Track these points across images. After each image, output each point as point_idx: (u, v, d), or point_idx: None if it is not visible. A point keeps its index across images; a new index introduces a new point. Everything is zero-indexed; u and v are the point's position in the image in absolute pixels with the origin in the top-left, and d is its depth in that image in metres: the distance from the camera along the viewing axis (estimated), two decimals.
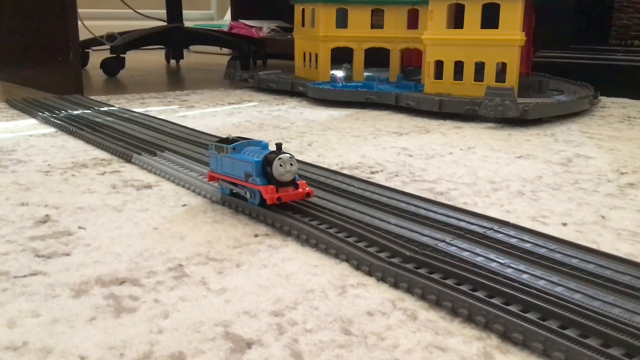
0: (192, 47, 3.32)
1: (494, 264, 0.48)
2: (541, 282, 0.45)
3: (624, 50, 1.70)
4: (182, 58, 2.75)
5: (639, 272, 0.47)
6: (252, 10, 2.98)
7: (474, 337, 0.41)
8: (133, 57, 2.74)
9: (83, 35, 1.71)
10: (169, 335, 0.40)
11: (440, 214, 0.60)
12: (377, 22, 1.56)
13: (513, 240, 0.53)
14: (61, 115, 1.21)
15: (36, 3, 1.62)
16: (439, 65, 1.34)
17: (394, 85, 1.52)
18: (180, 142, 0.94)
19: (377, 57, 1.62)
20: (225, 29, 2.86)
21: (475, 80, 1.29)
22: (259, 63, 2.56)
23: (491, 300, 0.42)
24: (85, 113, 1.23)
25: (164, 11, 2.44)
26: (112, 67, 2.10)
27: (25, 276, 0.49)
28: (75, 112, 1.24)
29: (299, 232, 0.57)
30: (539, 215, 0.65)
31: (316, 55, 1.61)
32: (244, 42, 2.40)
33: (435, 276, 0.46)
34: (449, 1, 1.29)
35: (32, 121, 1.21)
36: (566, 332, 0.38)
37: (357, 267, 0.51)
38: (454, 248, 0.51)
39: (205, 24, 3.41)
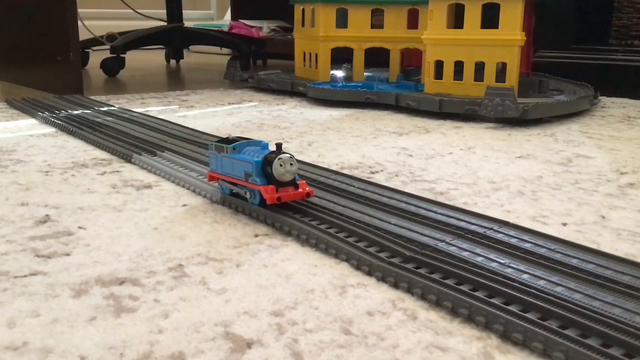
0: (192, 47, 3.32)
1: (494, 264, 0.48)
2: (541, 282, 0.45)
3: (624, 50, 1.70)
4: (182, 58, 2.75)
5: (639, 272, 0.47)
6: (252, 10, 2.98)
7: (474, 337, 0.41)
8: (133, 57, 2.74)
9: (83, 35, 1.71)
10: (169, 335, 0.40)
11: (440, 214, 0.60)
12: (377, 22, 1.56)
13: (513, 240, 0.53)
14: (61, 115, 1.21)
15: (36, 3, 1.62)
16: (439, 65, 1.34)
17: (394, 85, 1.52)
18: (180, 142, 0.94)
19: (377, 57, 1.62)
20: (225, 29, 2.86)
21: (475, 80, 1.29)
22: (259, 63, 2.56)
23: (491, 300, 0.42)
24: (85, 113, 1.23)
25: (164, 11, 2.44)
26: (112, 67, 2.10)
27: (25, 276, 0.49)
28: (75, 112, 1.24)
29: (299, 232, 0.57)
30: (539, 215, 0.65)
31: (316, 55, 1.61)
32: (244, 42, 2.40)
33: (435, 276, 0.46)
34: (449, 1, 1.29)
35: (32, 121, 1.21)
36: (566, 332, 0.38)
37: (357, 267, 0.51)
38: (454, 248, 0.51)
39: (205, 24, 3.41)
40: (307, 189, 0.62)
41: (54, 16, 1.54)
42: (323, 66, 1.59)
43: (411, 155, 0.93)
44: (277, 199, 0.60)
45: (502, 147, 0.99)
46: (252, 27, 2.83)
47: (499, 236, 0.54)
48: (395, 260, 0.50)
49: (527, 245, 0.52)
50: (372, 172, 0.83)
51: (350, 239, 0.54)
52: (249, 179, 0.62)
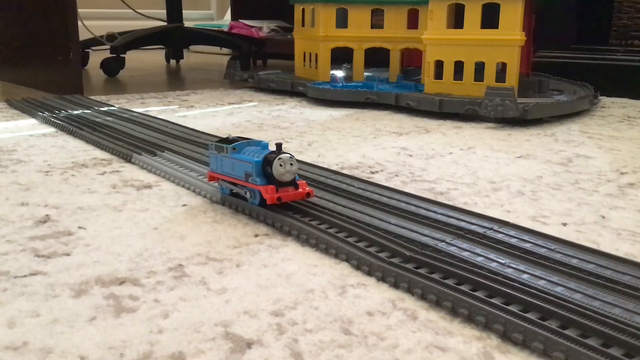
0: (192, 47, 3.32)
1: (494, 264, 0.48)
2: (541, 282, 0.45)
3: (624, 50, 1.70)
4: (182, 58, 2.75)
5: (639, 272, 0.47)
6: (252, 10, 2.98)
7: (474, 337, 0.41)
8: (133, 57, 2.74)
9: (83, 35, 1.71)
10: (169, 335, 0.40)
11: (440, 214, 0.60)
12: (377, 22, 1.56)
13: (513, 240, 0.53)
14: (61, 115, 1.21)
15: (36, 3, 1.62)
16: (439, 65, 1.34)
17: (394, 85, 1.52)
18: (180, 142, 0.94)
19: (377, 57, 1.62)
20: (225, 29, 2.86)
21: (475, 80, 1.29)
22: (259, 63, 2.56)
23: (491, 300, 0.42)
24: (85, 113, 1.23)
25: (164, 11, 2.44)
26: (112, 67, 2.10)
27: (25, 276, 0.49)
28: (75, 112, 1.24)
29: (299, 232, 0.57)
30: (539, 215, 0.65)
31: (316, 55, 1.61)
32: (244, 42, 2.40)
33: (435, 276, 0.46)
34: (449, 1, 1.29)
35: (32, 121, 1.21)
36: (566, 332, 0.38)
37: (357, 267, 0.51)
38: (454, 248, 0.51)
39: (205, 24, 3.41)
40: (307, 189, 0.62)
41: (54, 16, 1.54)
42: (323, 66, 1.59)
43: (411, 155, 0.93)
44: (277, 199, 0.60)
45: (502, 147, 0.99)
46: (252, 27, 2.83)
47: (499, 236, 0.54)
48: (395, 260, 0.50)
49: (527, 245, 0.52)
50: (372, 172, 0.83)
51: (350, 239, 0.54)
52: (249, 179, 0.62)
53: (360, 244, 0.53)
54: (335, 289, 0.47)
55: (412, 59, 1.63)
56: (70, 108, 1.29)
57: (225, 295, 0.46)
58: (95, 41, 2.11)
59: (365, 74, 1.63)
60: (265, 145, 0.64)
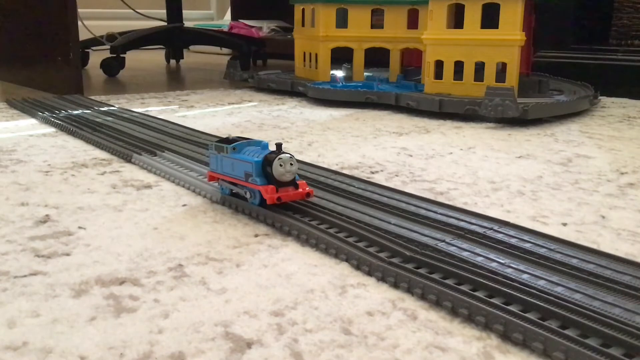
0: (192, 47, 3.32)
1: (494, 264, 0.48)
2: (541, 282, 0.45)
3: (624, 50, 1.70)
4: (182, 58, 2.75)
5: (639, 272, 0.47)
6: (252, 10, 2.98)
7: (474, 337, 0.41)
8: (133, 57, 2.74)
9: (83, 35, 1.71)
10: (169, 335, 0.40)
11: (440, 214, 0.60)
12: (377, 22, 1.56)
13: (513, 240, 0.53)
14: (61, 115, 1.21)
15: (36, 3, 1.62)
16: (439, 65, 1.34)
17: (394, 85, 1.52)
18: (180, 142, 0.94)
19: (377, 57, 1.62)
20: (225, 29, 2.86)
21: (475, 80, 1.29)
22: (259, 63, 2.56)
23: (491, 300, 0.42)
24: (85, 113, 1.23)
25: (164, 11, 2.44)
26: (112, 67, 2.10)
27: (25, 276, 0.49)
28: (75, 112, 1.24)
29: (299, 232, 0.57)
30: (539, 215, 0.65)
31: (316, 55, 1.61)
32: (244, 42, 2.40)
33: (435, 276, 0.46)
34: (449, 1, 1.29)
35: (32, 121, 1.21)
36: (566, 332, 0.38)
37: (357, 267, 0.51)
38: (454, 248, 0.51)
39: (205, 24, 3.41)
40: (307, 189, 0.62)
41: (54, 16, 1.54)
42: (323, 66, 1.59)
43: (411, 155, 0.93)
44: (277, 199, 0.60)
45: (502, 147, 0.99)
46: (252, 27, 2.84)
47: (499, 236, 0.54)
48: (395, 260, 0.50)
49: (527, 245, 0.52)
50: (372, 172, 0.83)
51: (350, 239, 0.54)
52: (249, 179, 0.62)
53: (360, 244, 0.53)
54: (335, 289, 0.47)
55: (412, 59, 1.63)
56: (70, 108, 1.29)
57: (225, 295, 0.46)
58: (95, 41, 2.11)
59: (365, 74, 1.63)
60: (265, 145, 0.64)
